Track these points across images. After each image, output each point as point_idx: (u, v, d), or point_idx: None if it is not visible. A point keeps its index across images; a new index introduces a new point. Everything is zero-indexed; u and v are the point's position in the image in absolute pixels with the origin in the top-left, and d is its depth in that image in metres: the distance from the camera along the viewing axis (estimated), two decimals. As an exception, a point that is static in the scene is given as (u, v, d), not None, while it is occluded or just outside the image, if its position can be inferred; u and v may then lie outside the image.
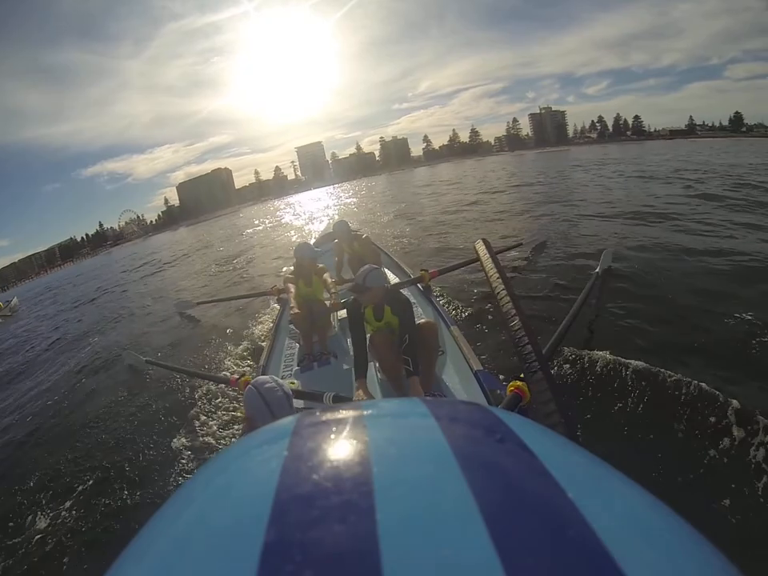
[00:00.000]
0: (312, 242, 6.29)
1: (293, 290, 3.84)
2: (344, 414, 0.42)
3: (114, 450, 3.80)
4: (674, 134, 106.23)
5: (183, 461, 3.28)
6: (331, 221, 7.50)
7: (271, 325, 4.87)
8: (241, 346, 5.32)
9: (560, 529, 0.28)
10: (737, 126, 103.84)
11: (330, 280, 3.92)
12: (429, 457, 0.34)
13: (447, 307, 4.83)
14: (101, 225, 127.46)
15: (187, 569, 0.28)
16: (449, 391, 2.75)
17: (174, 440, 3.55)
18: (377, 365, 3.02)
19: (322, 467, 0.33)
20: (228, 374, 4.39)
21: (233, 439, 3.40)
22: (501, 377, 2.91)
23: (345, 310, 3.03)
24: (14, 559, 2.86)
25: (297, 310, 3.56)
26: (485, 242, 3.17)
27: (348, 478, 0.31)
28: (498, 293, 2.29)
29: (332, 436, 0.37)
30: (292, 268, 4.11)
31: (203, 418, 3.79)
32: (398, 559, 0.25)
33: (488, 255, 2.83)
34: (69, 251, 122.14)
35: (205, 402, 4.02)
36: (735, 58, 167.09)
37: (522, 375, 1.91)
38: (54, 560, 2.76)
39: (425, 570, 0.25)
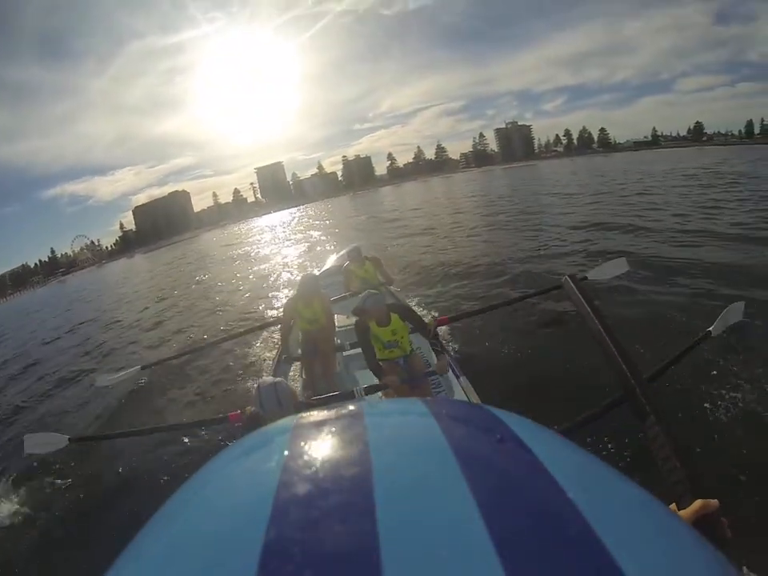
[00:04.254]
0: (324, 268, 6.91)
1: (287, 315, 4.04)
2: (343, 414, 0.42)
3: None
4: (638, 145, 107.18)
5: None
6: (342, 252, 7.10)
7: (274, 359, 4.50)
8: (239, 383, 5.46)
9: (559, 528, 0.28)
10: (697, 135, 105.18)
11: (331, 311, 3.97)
12: (428, 456, 0.34)
13: (458, 356, 4.48)
14: (52, 251, 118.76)
15: (187, 569, 0.28)
16: None
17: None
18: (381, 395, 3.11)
19: (322, 467, 0.33)
20: (225, 409, 3.85)
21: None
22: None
23: (349, 347, 3.64)
24: (14, 560, 3.01)
25: (304, 349, 3.93)
26: (572, 277, 2.37)
27: (348, 478, 0.31)
28: (594, 332, 1.87)
29: (332, 436, 0.37)
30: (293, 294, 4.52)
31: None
32: (399, 558, 0.25)
33: (577, 293, 2.19)
34: (20, 279, 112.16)
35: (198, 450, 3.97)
36: (684, 72, 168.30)
37: None
38: (54, 560, 2.90)
39: (425, 569, 0.25)
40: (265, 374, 4.79)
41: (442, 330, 4.22)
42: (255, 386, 1.96)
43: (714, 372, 3.77)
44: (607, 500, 0.32)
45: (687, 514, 0.68)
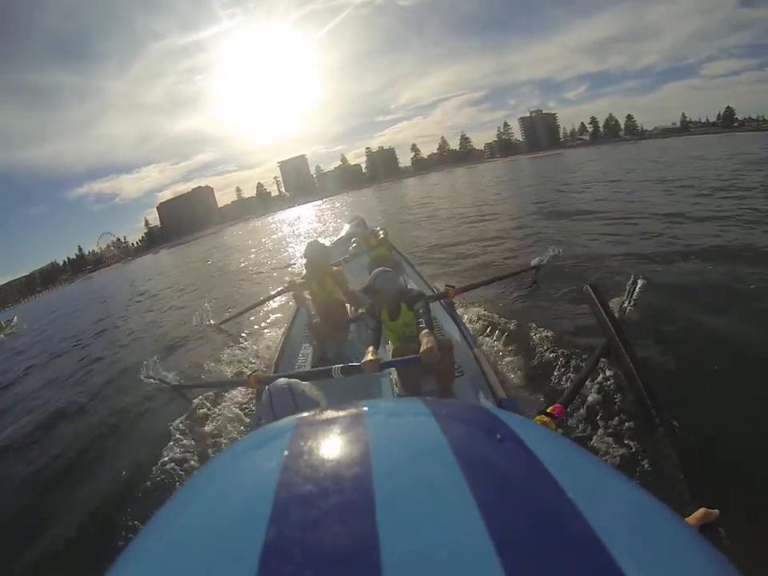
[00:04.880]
0: (336, 239, 7.16)
1: (308, 295, 3.94)
2: (344, 414, 0.41)
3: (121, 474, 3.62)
4: (667, 132, 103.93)
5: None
6: (348, 224, 7.50)
7: (286, 323, 4.59)
8: (257, 345, 5.61)
9: (559, 529, 0.28)
10: (728, 121, 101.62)
11: (345, 283, 3.92)
12: (429, 456, 0.34)
13: (472, 326, 4.43)
14: (80, 249, 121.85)
15: (187, 569, 0.28)
16: None
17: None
18: (394, 378, 3.03)
19: (322, 467, 0.33)
20: (243, 373, 4.28)
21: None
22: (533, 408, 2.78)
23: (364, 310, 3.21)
24: (15, 559, 2.96)
25: (317, 319, 3.66)
26: (593, 287, 2.64)
27: (348, 478, 0.31)
28: (613, 344, 2.07)
29: (332, 436, 0.37)
30: (304, 272, 4.23)
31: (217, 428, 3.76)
32: (399, 559, 0.25)
33: (597, 303, 2.43)
34: (49, 276, 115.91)
35: (222, 410, 3.96)
36: (711, 56, 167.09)
37: (548, 410, 1.86)
38: (55, 560, 2.85)
39: (425, 570, 0.25)
40: (278, 334, 4.73)
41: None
42: (266, 390, 1.63)
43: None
44: (607, 500, 0.32)
45: (690, 521, 0.70)
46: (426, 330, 2.42)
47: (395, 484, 0.31)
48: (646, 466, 2.55)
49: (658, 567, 0.27)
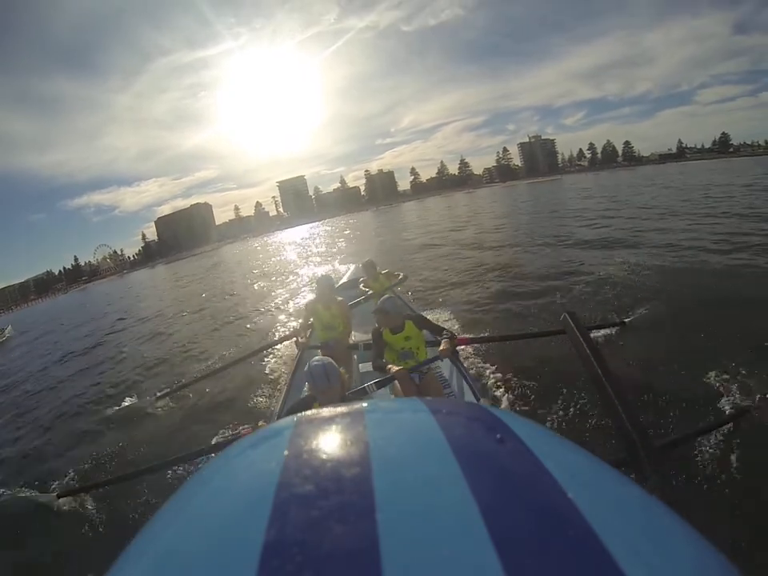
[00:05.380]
0: (341, 281, 6.98)
1: (308, 313, 4.29)
2: (344, 413, 0.41)
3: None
4: (663, 158, 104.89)
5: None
6: (358, 265, 7.15)
7: (288, 370, 4.54)
8: (254, 400, 5.00)
9: (559, 528, 0.27)
10: (724, 147, 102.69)
11: (347, 315, 4.15)
12: (428, 456, 0.34)
13: (477, 377, 4.23)
14: (76, 259, 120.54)
15: (187, 568, 0.28)
16: None
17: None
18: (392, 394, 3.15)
19: (322, 467, 0.32)
20: (241, 428, 3.69)
21: None
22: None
23: (367, 360, 3.58)
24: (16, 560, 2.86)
25: (302, 339, 4.29)
26: (571, 315, 2.61)
27: (348, 477, 0.31)
28: (593, 375, 1.94)
29: (332, 436, 0.37)
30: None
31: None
32: (399, 559, 0.25)
33: (576, 331, 2.34)
34: (44, 285, 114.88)
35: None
36: (704, 83, 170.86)
37: None
38: (56, 560, 2.76)
39: (425, 570, 0.24)
40: (285, 376, 4.55)
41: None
42: (306, 365, 2.13)
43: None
44: (608, 500, 0.32)
45: None
46: (447, 339, 3.08)
47: (395, 483, 0.30)
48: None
49: (657, 564, 0.27)
